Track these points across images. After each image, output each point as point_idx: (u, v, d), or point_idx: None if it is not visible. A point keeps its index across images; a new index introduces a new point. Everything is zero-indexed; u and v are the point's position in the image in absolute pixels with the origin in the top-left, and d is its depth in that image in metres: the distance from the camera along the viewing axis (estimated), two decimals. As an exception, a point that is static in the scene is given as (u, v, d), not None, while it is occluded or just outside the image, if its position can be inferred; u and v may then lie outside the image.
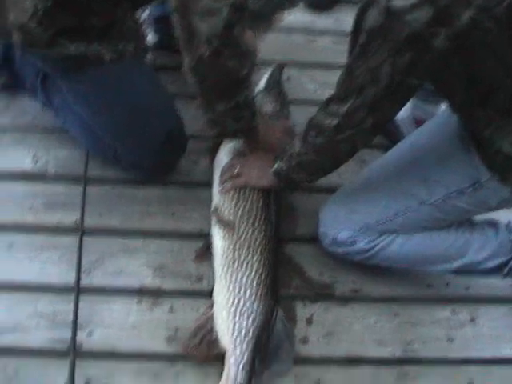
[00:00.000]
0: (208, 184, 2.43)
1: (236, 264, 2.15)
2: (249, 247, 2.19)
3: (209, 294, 2.17)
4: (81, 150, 2.51)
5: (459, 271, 2.26)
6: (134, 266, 2.28)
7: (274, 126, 2.48)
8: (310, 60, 3.06)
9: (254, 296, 2.10)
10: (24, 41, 2.08)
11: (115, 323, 2.14)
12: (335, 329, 2.24)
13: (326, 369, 2.15)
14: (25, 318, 2.12)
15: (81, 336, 2.06)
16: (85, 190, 2.37)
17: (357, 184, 2.27)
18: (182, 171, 2.54)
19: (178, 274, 2.28)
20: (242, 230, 2.23)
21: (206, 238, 2.32)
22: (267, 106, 2.59)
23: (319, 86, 2.91)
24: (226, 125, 2.12)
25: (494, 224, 2.25)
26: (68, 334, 2.01)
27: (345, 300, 2.32)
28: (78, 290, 2.08)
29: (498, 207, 2.04)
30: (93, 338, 2.10)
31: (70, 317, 2.04)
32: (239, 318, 2.05)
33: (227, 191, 2.31)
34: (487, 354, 2.27)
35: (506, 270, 2.24)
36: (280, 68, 2.76)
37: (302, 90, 2.95)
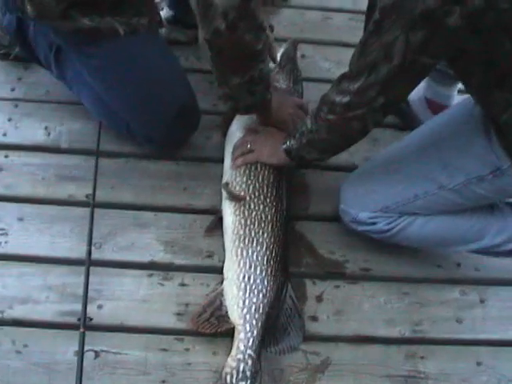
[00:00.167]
0: (220, 160, 2.44)
1: (247, 240, 2.15)
2: (260, 223, 2.19)
3: (219, 270, 2.18)
4: (94, 123, 2.51)
5: (476, 252, 2.27)
6: (145, 241, 2.28)
7: (287, 101, 2.47)
8: (324, 38, 3.06)
9: (264, 272, 2.09)
10: (37, 13, 2.07)
11: (125, 297, 2.15)
12: (345, 307, 2.24)
13: (335, 347, 2.15)
14: (35, 291, 2.12)
15: (91, 309, 2.06)
16: (97, 163, 2.36)
17: (377, 164, 2.26)
18: (195, 147, 2.55)
19: (189, 250, 2.28)
20: (252, 205, 2.23)
21: (216, 212, 2.32)
22: (280, 82, 2.59)
23: (334, 64, 2.91)
24: (240, 99, 2.11)
25: (513, 208, 2.24)
26: (78, 307, 2.01)
27: (355, 279, 2.32)
28: (88, 263, 2.08)
29: None
30: (103, 311, 2.11)
31: (80, 290, 2.03)
32: (249, 294, 2.05)
33: (238, 167, 2.31)
34: (496, 335, 2.27)
35: None
36: (294, 44, 2.75)
37: (316, 68, 2.95)
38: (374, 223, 2.18)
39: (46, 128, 2.51)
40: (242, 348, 1.97)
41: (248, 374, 1.93)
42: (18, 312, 2.08)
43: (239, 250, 2.14)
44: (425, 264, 2.38)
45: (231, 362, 1.95)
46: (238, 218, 2.20)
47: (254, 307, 2.03)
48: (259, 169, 2.29)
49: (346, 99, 1.81)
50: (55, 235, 2.25)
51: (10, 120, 2.54)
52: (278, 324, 2.08)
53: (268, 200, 2.24)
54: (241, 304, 2.04)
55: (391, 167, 2.17)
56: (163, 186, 2.43)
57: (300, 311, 2.13)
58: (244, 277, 2.08)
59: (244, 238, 2.16)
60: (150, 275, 2.20)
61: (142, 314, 2.12)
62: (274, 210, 2.23)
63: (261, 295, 2.05)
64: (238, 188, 2.27)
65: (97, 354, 2.02)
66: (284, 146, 2.17)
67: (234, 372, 1.93)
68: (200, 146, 2.56)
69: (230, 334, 2.03)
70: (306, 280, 2.28)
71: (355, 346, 2.17)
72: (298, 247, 2.35)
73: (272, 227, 2.19)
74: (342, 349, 2.15)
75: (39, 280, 2.14)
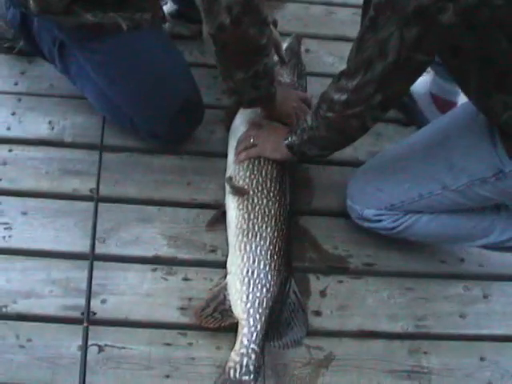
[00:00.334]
0: (224, 154, 2.44)
1: (250, 234, 2.16)
2: (263, 217, 2.19)
3: (223, 265, 2.18)
4: (98, 117, 2.51)
5: (483, 247, 2.27)
6: (149, 235, 2.28)
7: (291, 95, 2.47)
8: (328, 33, 3.06)
9: (267, 267, 2.10)
10: (40, 9, 2.07)
11: (129, 291, 2.15)
12: (348, 302, 2.24)
13: (338, 342, 2.15)
14: (39, 285, 2.12)
15: (94, 303, 2.06)
16: (101, 157, 2.36)
17: (384, 161, 2.26)
18: (199, 141, 2.55)
19: (193, 244, 2.28)
20: (256, 200, 2.23)
21: (219, 207, 2.33)
22: (284, 76, 2.60)
23: (337, 59, 2.91)
24: (245, 93, 2.12)
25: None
26: (81, 302, 2.01)
27: (358, 274, 2.32)
28: (92, 258, 2.08)
29: None
30: (106, 305, 2.11)
31: (84, 284, 2.04)
32: (253, 289, 2.05)
33: (242, 161, 2.31)
34: (499, 330, 2.27)
35: None
36: (298, 39, 2.75)
37: (320, 62, 2.95)
38: (379, 220, 2.19)
39: (49, 122, 2.51)
40: (245, 342, 1.97)
41: (251, 368, 1.93)
42: (21, 306, 2.08)
43: (242, 245, 2.14)
44: (428, 259, 2.39)
45: (235, 356, 1.96)
46: (241, 212, 2.20)
47: (257, 302, 2.03)
48: (262, 163, 2.29)
49: (344, 97, 1.81)
50: (59, 229, 2.25)
51: (13, 114, 2.53)
52: (281, 318, 2.08)
53: (271, 194, 2.24)
54: (244, 298, 2.04)
55: (397, 166, 2.17)
56: (167, 180, 2.43)
57: (303, 306, 2.13)
58: (247, 271, 2.08)
59: (247, 233, 2.16)
60: (154, 269, 2.20)
61: (146, 308, 2.12)
62: (277, 204, 2.24)
63: (264, 290, 2.05)
64: (241, 182, 2.27)
65: (100, 348, 2.02)
66: (286, 142, 2.17)
67: (238, 366, 1.93)
68: (204, 140, 2.56)
69: (233, 328, 2.03)
70: (310, 275, 2.29)
71: (359, 340, 2.17)
72: (302, 242, 2.36)
73: (275, 221, 2.20)
74: (345, 344, 2.15)
75: (43, 274, 2.14)
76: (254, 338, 1.97)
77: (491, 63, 1.65)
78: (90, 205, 2.24)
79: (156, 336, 2.07)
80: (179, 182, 2.43)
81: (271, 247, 2.13)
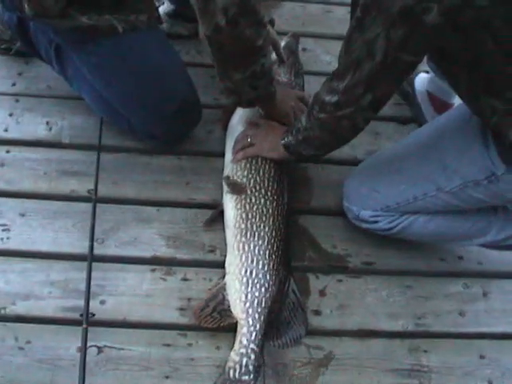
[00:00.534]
0: (222, 154, 2.44)
1: (248, 234, 2.15)
2: (261, 217, 2.19)
3: (221, 265, 2.18)
4: (95, 117, 2.51)
5: (481, 245, 2.28)
6: (148, 236, 2.28)
7: (289, 94, 2.48)
8: (326, 31, 3.06)
9: (266, 266, 2.09)
10: (34, 13, 2.07)
11: (128, 292, 2.15)
12: (348, 301, 2.24)
13: (338, 341, 2.15)
14: (37, 287, 2.12)
15: (93, 305, 2.05)
16: (99, 158, 2.35)
17: (379, 162, 2.26)
18: (197, 141, 2.55)
19: (192, 244, 2.28)
20: (254, 199, 2.23)
21: (217, 206, 2.33)
22: (282, 75, 2.60)
23: (334, 57, 2.85)
24: (243, 93, 2.11)
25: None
26: (80, 303, 2.00)
27: (358, 273, 2.32)
28: (91, 259, 2.08)
29: None
30: (105, 306, 2.11)
31: (83, 285, 2.03)
32: (251, 288, 2.05)
33: (239, 160, 2.31)
34: (499, 328, 2.27)
35: None
36: (296, 38, 2.75)
37: (317, 61, 2.96)
38: (375, 221, 2.20)
39: (47, 123, 2.51)
40: (244, 342, 1.97)
41: (251, 368, 1.93)
42: (20, 308, 2.08)
43: (241, 245, 2.14)
44: (427, 257, 2.38)
45: (234, 356, 1.96)
46: (239, 211, 2.20)
47: (256, 301, 2.03)
48: (260, 163, 2.29)
49: (334, 98, 1.82)
50: (57, 231, 2.25)
51: (11, 115, 2.53)
52: (280, 318, 2.08)
53: (269, 194, 2.24)
54: (243, 298, 2.04)
55: (392, 167, 2.17)
56: (165, 180, 2.43)
57: (302, 305, 2.13)
58: (246, 271, 2.08)
59: (245, 232, 2.16)
60: (153, 270, 2.20)
61: (145, 309, 2.12)
62: (275, 203, 2.23)
63: (263, 289, 2.05)
64: (238, 182, 2.26)
65: (100, 349, 2.02)
66: (283, 142, 2.18)
67: (237, 366, 1.93)
68: (202, 140, 2.56)
69: (232, 328, 2.03)
70: (309, 274, 2.28)
71: (358, 340, 2.17)
72: (301, 241, 2.35)
73: (273, 221, 2.19)
74: (345, 343, 2.15)
75: (42, 276, 2.14)
76: (253, 337, 1.97)
77: (478, 66, 1.64)
78: (89, 206, 2.23)
79: (155, 337, 2.07)
80: (178, 182, 2.43)
81: (269, 247, 2.13)
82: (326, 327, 2.17)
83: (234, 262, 2.12)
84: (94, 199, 2.24)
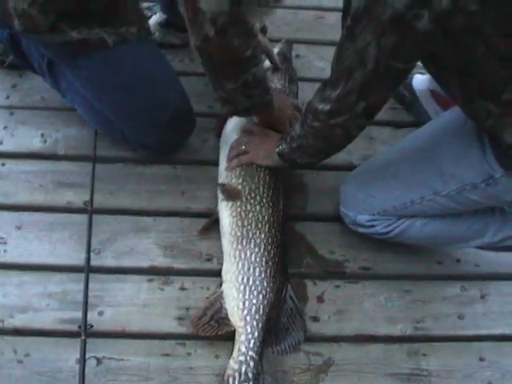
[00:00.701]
0: (217, 162, 2.43)
1: (244, 241, 2.15)
2: (257, 224, 2.19)
3: (219, 273, 2.18)
4: (90, 129, 2.51)
5: (478, 247, 2.29)
6: (145, 245, 2.28)
7: (286, 102, 2.48)
8: (318, 37, 3.06)
9: (263, 273, 2.10)
10: (24, 28, 2.07)
11: (126, 303, 2.14)
12: (346, 307, 2.24)
13: (337, 347, 2.15)
14: (35, 299, 2.12)
15: (92, 316, 2.06)
16: (94, 168, 2.36)
17: (375, 167, 2.26)
18: (192, 150, 2.55)
19: (189, 253, 2.28)
20: (249, 206, 2.23)
21: (212, 213, 2.33)
22: (275, 82, 2.60)
23: (328, 63, 2.85)
24: (238, 102, 2.11)
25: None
26: (79, 314, 2.01)
27: (355, 278, 2.32)
28: (88, 270, 2.08)
29: None
30: (103, 317, 2.11)
31: (81, 297, 2.04)
32: (249, 296, 2.05)
33: (233, 168, 2.31)
34: (498, 330, 2.27)
35: None
36: (289, 44, 2.76)
37: (311, 67, 2.96)
38: (372, 226, 2.20)
39: (42, 135, 2.51)
40: (243, 350, 1.97)
41: (250, 375, 1.93)
42: (18, 321, 2.08)
43: (237, 252, 2.14)
44: (425, 261, 2.38)
45: (233, 364, 1.96)
46: (234, 219, 2.20)
47: (254, 309, 2.03)
48: (254, 170, 2.29)
49: (327, 107, 1.82)
50: (54, 242, 2.25)
51: (5, 128, 2.53)
52: (279, 324, 2.08)
53: (264, 200, 2.24)
54: (241, 306, 2.04)
55: (388, 172, 2.17)
56: (161, 190, 2.43)
57: (300, 311, 2.13)
58: (243, 278, 2.08)
59: (242, 240, 2.16)
60: (150, 280, 2.20)
61: (143, 319, 2.12)
62: (270, 210, 2.23)
63: (260, 296, 2.05)
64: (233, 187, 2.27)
65: (99, 360, 2.01)
66: (277, 150, 2.18)
67: (237, 374, 1.94)
68: (197, 148, 2.56)
69: (231, 336, 2.03)
70: (307, 280, 2.28)
71: (357, 345, 2.17)
72: (299, 248, 2.35)
73: (269, 228, 2.19)
74: (344, 348, 2.15)
75: (39, 288, 2.14)
76: (251, 345, 1.97)
77: (469, 71, 1.64)
78: (85, 217, 2.24)
79: (154, 346, 2.07)
80: (173, 191, 2.43)
81: (266, 253, 2.13)
82: (324, 333, 2.17)
83: (231, 270, 2.12)
84: (89, 210, 2.25)
